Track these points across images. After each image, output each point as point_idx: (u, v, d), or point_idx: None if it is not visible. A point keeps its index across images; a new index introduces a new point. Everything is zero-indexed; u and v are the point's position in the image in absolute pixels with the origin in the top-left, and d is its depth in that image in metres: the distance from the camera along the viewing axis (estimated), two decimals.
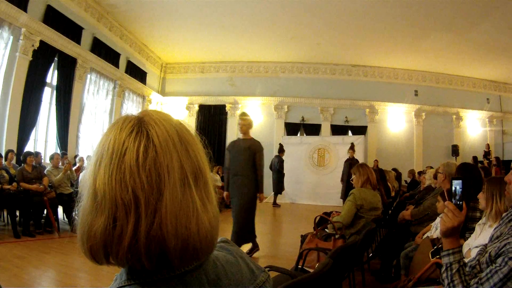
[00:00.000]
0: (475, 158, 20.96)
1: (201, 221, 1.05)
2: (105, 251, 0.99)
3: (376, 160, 20.99)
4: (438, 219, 5.76)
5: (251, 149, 8.35)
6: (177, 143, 1.06)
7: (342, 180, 17.37)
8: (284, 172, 18.86)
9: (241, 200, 8.23)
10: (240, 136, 8.73)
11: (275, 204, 18.41)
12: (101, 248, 0.99)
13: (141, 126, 1.04)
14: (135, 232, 0.96)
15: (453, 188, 2.53)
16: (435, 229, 5.61)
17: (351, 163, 16.15)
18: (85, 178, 1.06)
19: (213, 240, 1.11)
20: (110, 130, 1.07)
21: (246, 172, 8.15)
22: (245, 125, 8.43)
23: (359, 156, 18.76)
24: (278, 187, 18.60)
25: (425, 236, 5.60)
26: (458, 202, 2.45)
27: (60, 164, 11.12)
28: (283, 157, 19.02)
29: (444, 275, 2.41)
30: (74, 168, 12.17)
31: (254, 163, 8.29)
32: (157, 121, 1.07)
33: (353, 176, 6.68)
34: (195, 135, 1.17)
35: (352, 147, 17.45)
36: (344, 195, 15.73)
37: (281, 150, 19.05)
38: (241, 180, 8.11)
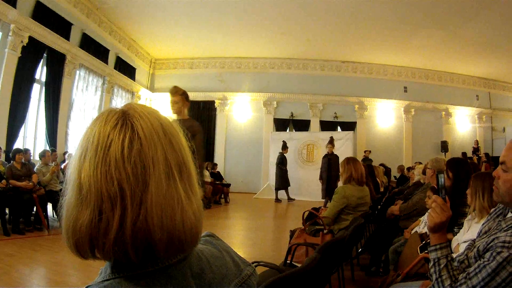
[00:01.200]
0: (464, 154, 21.09)
1: (186, 213, 1.06)
2: (91, 245, 0.99)
3: (364, 155, 21.05)
4: (427, 214, 5.79)
5: (188, 132, 6.48)
6: (162, 135, 1.07)
7: (320, 178, 16.42)
8: (287, 168, 18.98)
9: None
10: (174, 117, 7.00)
11: (276, 199, 18.57)
12: (87, 242, 0.99)
13: (125, 119, 1.05)
14: (121, 224, 0.96)
15: (441, 181, 2.53)
16: (424, 224, 5.63)
17: (330, 159, 15.96)
18: (69, 172, 1.06)
19: (198, 232, 1.11)
20: (94, 123, 1.07)
21: None
22: (177, 102, 6.85)
23: (348, 152, 18.77)
24: (279, 183, 18.67)
25: (413, 231, 5.62)
26: (442, 196, 2.47)
27: (50, 161, 11.09)
28: (286, 154, 19.18)
29: (432, 270, 2.42)
30: (63, 164, 12.14)
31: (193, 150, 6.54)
32: (142, 114, 1.08)
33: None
34: (178, 128, 1.18)
35: (331, 141, 16.50)
36: (326, 195, 15.24)
37: (284, 147, 19.11)
38: None
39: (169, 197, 1.03)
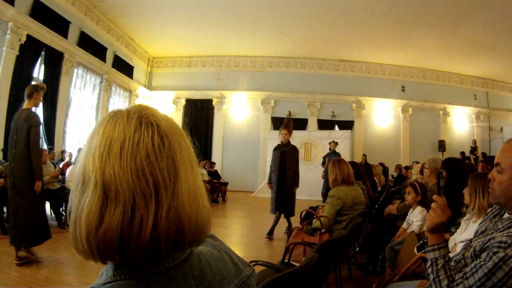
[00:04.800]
0: (463, 153, 21.13)
1: (204, 203, 1.12)
2: (120, 245, 0.98)
3: (364, 155, 21.07)
4: (409, 215, 5.83)
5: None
6: (179, 133, 1.13)
7: (269, 181, 10.54)
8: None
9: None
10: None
11: None
12: (115, 243, 0.98)
13: (148, 118, 1.07)
14: (155, 219, 0.98)
15: (441, 183, 2.55)
16: (408, 225, 5.68)
17: (283, 153, 10.31)
18: (85, 172, 1.04)
19: (210, 223, 1.16)
20: (113, 124, 1.07)
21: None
22: None
23: (345, 151, 18.74)
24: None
25: (409, 230, 5.65)
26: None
27: (47, 160, 11.06)
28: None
29: (430, 270, 2.43)
30: (62, 163, 12.14)
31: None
32: (157, 114, 1.12)
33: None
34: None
35: (287, 125, 10.50)
36: (276, 207, 10.09)
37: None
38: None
39: (194, 186, 1.09)
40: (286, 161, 10.17)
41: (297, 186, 10.39)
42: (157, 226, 0.98)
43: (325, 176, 14.17)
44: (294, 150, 10.53)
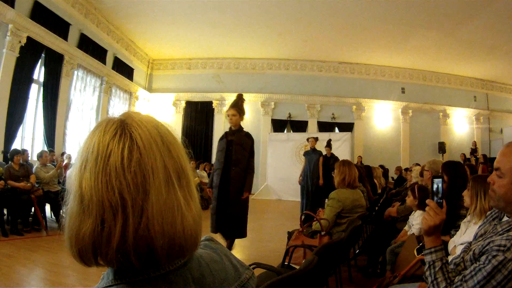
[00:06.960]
0: (464, 155, 21.12)
1: (186, 219, 1.07)
2: (94, 253, 1.01)
3: (360, 156, 21.07)
4: (410, 218, 5.84)
5: None
6: (160, 144, 1.09)
7: (210, 185, 7.66)
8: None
9: None
10: None
11: None
12: (90, 250, 1.00)
13: (124, 129, 1.06)
14: (123, 233, 0.98)
15: (435, 187, 2.56)
16: (409, 227, 5.70)
17: (230, 142, 7.44)
18: (70, 181, 1.07)
19: (198, 237, 1.13)
20: (93, 133, 1.08)
21: None
22: None
23: (345, 153, 18.72)
24: None
25: (409, 232, 5.65)
26: (439, 200, 2.48)
27: (48, 161, 11.06)
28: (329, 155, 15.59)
29: (428, 272, 2.44)
30: (64, 163, 12.16)
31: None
32: (139, 123, 1.09)
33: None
34: (175, 135, 1.19)
35: (236, 104, 7.63)
36: (216, 224, 7.18)
37: (327, 145, 14.07)
38: None
39: (169, 205, 1.05)
40: (232, 155, 7.30)
41: (249, 191, 7.40)
42: (124, 240, 0.98)
43: (302, 181, 12.52)
44: (247, 138, 7.59)
